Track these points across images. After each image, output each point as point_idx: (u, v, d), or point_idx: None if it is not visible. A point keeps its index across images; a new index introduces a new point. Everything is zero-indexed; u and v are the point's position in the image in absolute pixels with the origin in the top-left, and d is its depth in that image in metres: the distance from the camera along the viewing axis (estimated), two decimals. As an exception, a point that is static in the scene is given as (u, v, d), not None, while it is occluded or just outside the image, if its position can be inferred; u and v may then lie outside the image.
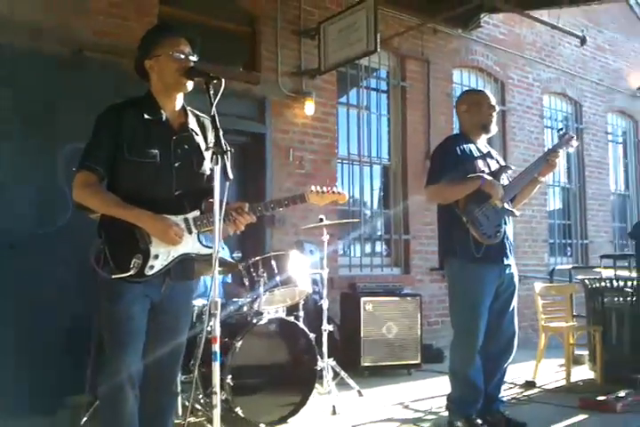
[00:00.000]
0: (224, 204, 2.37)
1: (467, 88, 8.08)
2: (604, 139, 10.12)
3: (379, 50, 5.88)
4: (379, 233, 7.33)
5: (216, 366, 2.34)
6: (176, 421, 3.76)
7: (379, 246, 7.38)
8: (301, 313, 4.67)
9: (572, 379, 5.13)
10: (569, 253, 9.53)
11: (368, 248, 7.23)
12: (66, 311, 4.37)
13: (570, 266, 7.09)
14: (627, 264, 5.73)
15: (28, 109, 4.68)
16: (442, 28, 7.69)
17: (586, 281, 5.46)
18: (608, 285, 5.24)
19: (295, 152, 6.44)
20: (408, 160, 7.35)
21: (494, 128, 3.98)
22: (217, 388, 2.33)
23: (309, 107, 6.45)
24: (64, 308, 4.39)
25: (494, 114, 3.94)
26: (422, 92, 7.57)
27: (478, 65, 8.32)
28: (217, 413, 2.34)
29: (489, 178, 3.71)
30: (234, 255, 5.24)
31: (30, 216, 4.65)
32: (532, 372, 5.30)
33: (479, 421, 3.69)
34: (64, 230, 4.64)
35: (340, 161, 6.96)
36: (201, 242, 2.62)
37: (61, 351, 4.34)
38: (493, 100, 3.98)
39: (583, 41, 7.44)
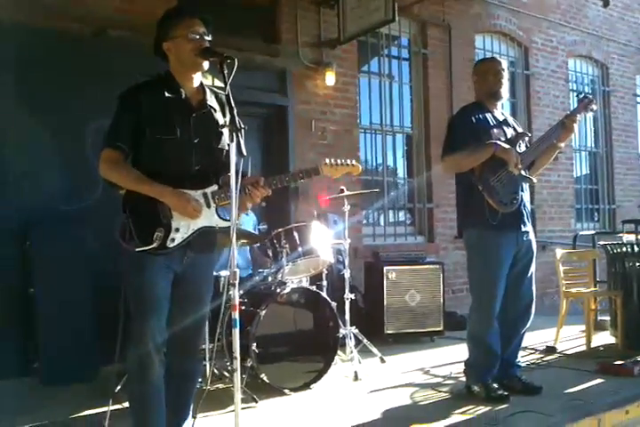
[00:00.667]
0: (239, 178, 2.46)
1: (489, 53, 8.01)
2: (632, 101, 9.95)
3: (397, 19, 5.87)
4: (402, 202, 7.38)
5: (236, 333, 2.47)
6: (204, 387, 3.98)
7: (402, 215, 7.44)
8: (325, 283, 4.78)
9: (594, 344, 5.19)
10: (596, 219, 9.48)
11: (392, 217, 7.29)
12: (99, 284, 4.55)
13: (593, 232, 7.06)
14: (649, 229, 5.72)
15: (52, 89, 4.81)
16: (463, -8, 7.59)
17: (607, 247, 5.47)
18: (629, 250, 5.24)
19: (317, 123, 6.48)
20: (431, 128, 7.33)
21: (505, 94, 3.98)
22: (237, 353, 2.45)
23: (330, 77, 6.47)
24: (97, 280, 4.58)
25: (502, 80, 3.92)
26: (444, 59, 7.53)
27: (501, 30, 8.22)
28: (237, 376, 2.45)
29: (502, 144, 3.74)
30: (260, 227, 5.36)
31: (61, 193, 4.82)
32: (553, 338, 5.36)
33: (495, 385, 3.79)
34: (95, 206, 4.81)
35: (362, 130, 6.99)
36: (219, 215, 2.73)
37: (96, 322, 4.54)
38: (500, 66, 3.94)
39: (606, 2, 7.28)
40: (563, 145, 4.00)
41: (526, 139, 3.99)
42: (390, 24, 6.31)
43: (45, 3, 4.83)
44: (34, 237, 4.58)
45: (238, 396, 2.45)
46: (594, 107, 3.96)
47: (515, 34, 8.36)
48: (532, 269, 3.95)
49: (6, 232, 4.58)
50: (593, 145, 9.53)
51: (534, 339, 5.35)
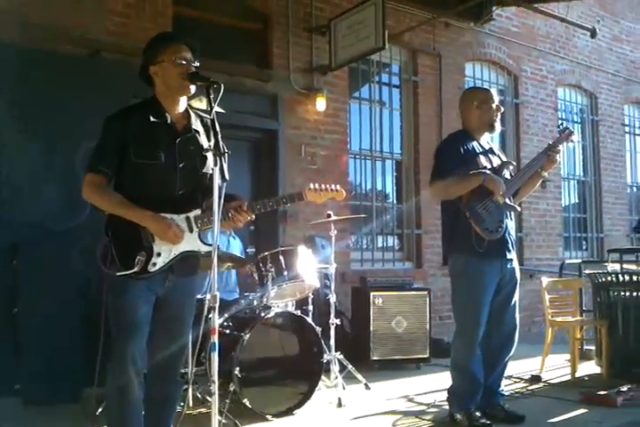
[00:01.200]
0: (221, 203, 2.47)
1: (479, 81, 8.12)
2: (620, 131, 10.06)
3: (387, 46, 5.96)
4: (391, 228, 7.40)
5: (215, 356, 2.47)
6: (187, 411, 3.95)
7: (391, 241, 7.46)
8: (310, 307, 4.78)
9: (580, 374, 5.18)
10: (584, 248, 9.52)
11: (380, 243, 7.31)
12: (84, 304, 4.53)
13: (580, 260, 7.09)
14: (635, 258, 5.75)
15: (46, 109, 4.83)
16: (453, 21, 7.71)
17: (592, 276, 5.49)
18: (614, 279, 5.26)
19: (307, 148, 6.53)
20: (420, 155, 7.39)
21: (499, 127, 4.05)
22: (215, 377, 2.46)
23: (321, 103, 6.54)
24: (82, 301, 4.56)
25: (498, 111, 4.00)
26: (434, 87, 7.61)
27: (491, 58, 8.33)
28: (215, 400, 2.45)
29: (491, 174, 3.78)
30: (248, 250, 5.37)
31: (50, 213, 4.80)
32: (538, 367, 5.35)
33: (478, 413, 3.77)
34: (83, 226, 4.79)
35: (352, 156, 7.04)
36: (202, 240, 2.74)
37: (80, 343, 4.50)
38: (496, 98, 4.04)
39: (593, 33, 7.43)
40: (546, 175, 4.06)
41: (510, 167, 4.04)
42: (381, 51, 6.40)
43: (40, 24, 4.89)
44: (21, 255, 4.56)
45: (215, 420, 2.44)
46: (574, 138, 4.05)
47: (504, 62, 8.47)
48: (516, 296, 3.96)
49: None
50: (582, 174, 9.60)
51: (519, 367, 5.34)
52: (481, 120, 4.00)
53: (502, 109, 4.05)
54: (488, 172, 3.80)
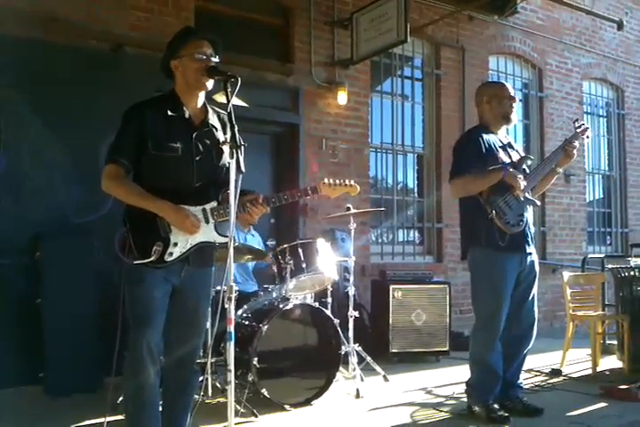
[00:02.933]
0: (237, 195, 2.51)
1: (503, 75, 8.06)
2: (647, 125, 9.91)
3: (409, 40, 5.94)
4: (412, 221, 7.39)
5: (231, 346, 2.50)
6: (207, 401, 4.01)
7: (411, 235, 7.45)
8: (329, 300, 4.80)
9: (601, 368, 5.15)
10: (608, 242, 9.42)
11: (401, 236, 7.31)
12: (105, 295, 4.61)
13: (603, 255, 7.02)
14: (658, 253, 5.69)
15: (68, 104, 4.92)
16: (477, 14, 7.66)
17: (615, 270, 5.44)
18: (637, 274, 5.21)
19: (328, 142, 6.55)
20: (442, 148, 7.35)
21: (515, 119, 4.03)
22: (231, 366, 2.48)
23: (342, 97, 6.54)
24: (104, 292, 4.64)
25: (514, 105, 3.98)
26: (457, 80, 7.58)
27: (515, 51, 8.26)
28: (231, 389, 2.48)
29: (511, 170, 3.77)
30: (268, 243, 5.41)
31: (73, 206, 4.92)
32: (559, 360, 5.33)
33: (497, 406, 3.78)
34: (105, 219, 4.89)
35: (373, 150, 7.04)
36: (218, 231, 2.78)
37: (101, 333, 4.59)
38: (513, 91, 4.04)
39: (620, 26, 7.32)
40: (561, 170, 4.07)
41: (529, 162, 4.03)
42: (403, 45, 6.39)
43: (63, 19, 4.96)
44: (44, 248, 4.65)
45: (231, 408, 2.48)
46: (589, 133, 4.04)
47: (529, 56, 8.39)
48: (535, 290, 3.96)
49: (18, 243, 4.66)
50: (607, 168, 9.49)
51: (540, 361, 5.34)
52: (493, 114, 4.00)
53: (516, 100, 4.01)
54: (508, 167, 3.79)
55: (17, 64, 4.76)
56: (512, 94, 4.00)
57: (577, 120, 4.16)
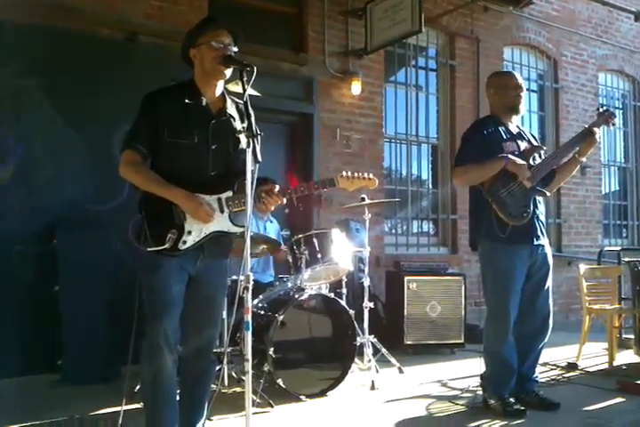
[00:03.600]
0: (254, 184, 2.48)
1: (517, 66, 7.98)
2: (663, 117, 9.80)
3: (424, 30, 5.89)
4: (426, 213, 7.35)
5: (248, 335, 2.49)
6: (223, 391, 4.00)
7: (426, 226, 7.41)
8: (344, 290, 4.78)
9: (617, 363, 5.10)
10: (624, 235, 9.34)
11: (415, 227, 7.27)
12: (122, 283, 4.60)
13: (619, 248, 6.95)
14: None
15: (83, 93, 4.91)
16: (492, 5, 7.58)
17: (632, 263, 5.38)
18: (654, 267, 5.16)
19: (342, 132, 6.51)
20: (457, 139, 7.22)
21: (523, 109, 3.96)
22: (249, 355, 2.47)
23: (356, 87, 6.50)
24: (120, 280, 4.63)
25: (522, 94, 3.91)
26: (471, 71, 7.51)
27: (530, 42, 8.18)
28: (249, 378, 2.47)
29: (512, 157, 3.70)
30: (282, 233, 5.39)
31: (89, 195, 4.93)
32: (575, 354, 5.28)
33: (512, 399, 3.74)
34: (121, 207, 4.89)
35: (387, 140, 6.99)
36: (232, 221, 2.75)
37: (118, 321, 4.58)
38: (520, 81, 3.94)
39: (637, 16, 7.23)
40: (584, 159, 3.96)
41: (542, 152, 3.95)
42: (418, 35, 6.33)
43: (77, 7, 4.94)
44: (60, 236, 4.66)
45: (249, 397, 2.46)
46: (615, 121, 3.93)
47: (544, 47, 8.31)
48: (549, 282, 3.90)
49: (34, 231, 4.67)
50: (622, 160, 9.40)
51: (556, 355, 5.29)
52: (500, 105, 3.94)
53: (523, 89, 3.91)
54: (510, 156, 3.72)
55: (31, 53, 4.75)
56: (519, 84, 3.90)
57: (602, 105, 4.06)
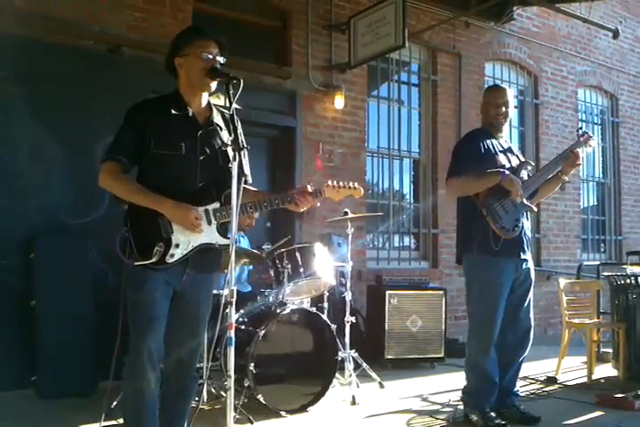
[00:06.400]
0: (240, 196, 2.47)
1: (499, 81, 8.06)
2: (640, 133, 9.95)
3: (407, 45, 5.93)
4: (408, 227, 7.37)
5: (231, 351, 2.46)
6: (202, 406, 3.96)
7: (407, 240, 7.43)
8: (326, 305, 4.77)
9: (596, 376, 5.14)
10: (602, 250, 9.44)
11: (397, 242, 7.28)
12: (100, 298, 4.56)
13: (598, 262, 7.02)
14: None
15: (65, 104, 4.88)
16: (474, 21, 7.67)
17: (611, 278, 5.43)
18: (633, 281, 5.21)
19: (325, 146, 6.53)
20: (439, 154, 7.36)
21: (505, 129, 4.00)
22: (232, 371, 2.45)
23: (339, 101, 6.53)
24: (98, 295, 4.60)
25: (503, 112, 3.93)
26: (453, 86, 7.58)
27: (511, 58, 8.28)
28: (230, 394, 2.44)
29: (509, 174, 3.74)
30: (264, 247, 5.36)
31: (68, 207, 4.86)
32: (554, 368, 5.31)
33: (493, 414, 3.74)
34: (100, 220, 4.84)
35: (369, 154, 7.02)
36: (220, 233, 2.73)
37: (95, 336, 4.54)
38: (503, 99, 3.93)
39: (616, 34, 7.36)
40: (567, 178, 4.03)
41: (529, 168, 4.00)
42: (400, 50, 6.39)
43: (61, 19, 4.92)
44: (39, 249, 4.60)
45: (230, 414, 2.44)
46: (592, 143, 4.00)
47: (525, 62, 8.42)
48: (530, 296, 3.94)
49: (12, 244, 4.61)
50: (601, 175, 9.52)
51: (535, 369, 5.31)
52: (483, 120, 4.02)
53: (500, 106, 3.90)
54: (506, 171, 3.76)
55: (13, 63, 4.70)
56: (499, 102, 3.91)
57: (580, 128, 4.14)
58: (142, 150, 2.68)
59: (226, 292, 4.02)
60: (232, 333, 2.48)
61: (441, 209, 7.26)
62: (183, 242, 2.66)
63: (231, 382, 2.45)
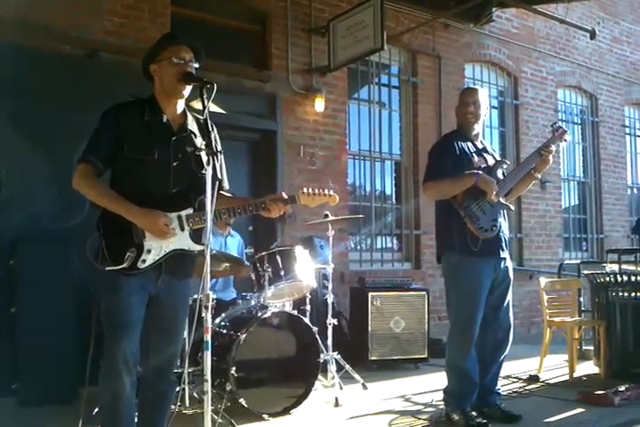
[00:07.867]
0: (214, 202, 2.48)
1: (479, 83, 8.12)
2: (620, 132, 10.05)
3: (386, 47, 5.96)
4: (390, 228, 7.40)
5: (208, 355, 2.47)
6: (184, 411, 3.95)
7: (390, 242, 7.46)
8: (308, 307, 4.77)
9: (578, 374, 5.17)
10: (584, 248, 9.51)
11: (379, 243, 7.31)
12: (81, 305, 4.53)
13: (579, 261, 7.08)
14: (633, 259, 5.74)
15: (42, 110, 4.85)
16: (453, 22, 7.73)
17: (591, 276, 5.48)
18: (612, 279, 5.26)
19: (306, 148, 6.55)
20: (420, 155, 7.36)
21: (474, 127, 3.99)
22: (208, 376, 2.45)
23: (319, 104, 6.55)
24: (79, 301, 4.56)
25: (470, 110, 3.93)
26: (433, 88, 7.62)
27: (491, 59, 8.34)
28: (208, 399, 2.45)
29: (483, 175, 3.77)
30: (246, 251, 5.36)
31: (48, 214, 4.85)
32: (536, 367, 5.35)
33: (474, 413, 3.76)
34: (80, 227, 4.78)
35: (351, 157, 7.04)
36: (193, 239, 2.73)
37: (76, 343, 4.51)
38: (472, 98, 3.94)
39: (593, 35, 7.43)
40: (539, 176, 4.04)
41: (504, 166, 4.04)
42: (380, 52, 6.42)
43: (39, 24, 4.91)
44: (19, 256, 4.57)
45: (208, 418, 2.44)
46: (567, 137, 4.02)
47: (504, 63, 8.48)
48: (510, 295, 3.97)
49: (-8, 250, 4.57)
50: (582, 175, 9.60)
51: (518, 367, 5.35)
52: (458, 120, 4.05)
53: (468, 108, 3.92)
54: (480, 172, 3.79)
55: (-10, 69, 4.68)
56: (469, 101, 3.93)
57: (555, 123, 4.15)
58: (116, 154, 2.69)
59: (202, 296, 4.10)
60: (208, 337, 2.48)
61: (423, 210, 7.28)
62: (155, 248, 2.66)
63: (208, 387, 2.45)
